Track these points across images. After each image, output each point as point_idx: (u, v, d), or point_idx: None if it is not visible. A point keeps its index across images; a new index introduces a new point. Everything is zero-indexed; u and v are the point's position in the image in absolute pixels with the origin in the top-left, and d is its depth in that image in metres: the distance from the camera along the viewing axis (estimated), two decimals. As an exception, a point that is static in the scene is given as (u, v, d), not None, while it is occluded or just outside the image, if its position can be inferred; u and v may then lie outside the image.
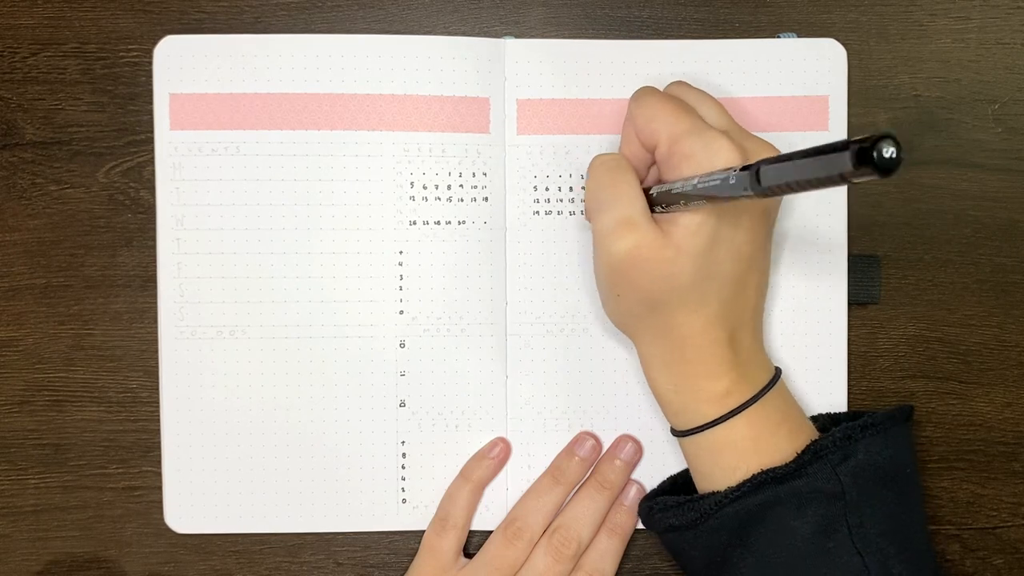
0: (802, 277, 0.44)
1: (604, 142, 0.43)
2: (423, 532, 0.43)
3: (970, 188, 0.45)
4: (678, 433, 0.39)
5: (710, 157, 0.34)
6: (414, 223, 0.43)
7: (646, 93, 0.38)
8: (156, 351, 0.43)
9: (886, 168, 0.24)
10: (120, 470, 0.44)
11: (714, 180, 0.31)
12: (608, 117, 0.43)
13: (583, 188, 0.43)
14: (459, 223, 0.43)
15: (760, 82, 0.44)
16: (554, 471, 0.43)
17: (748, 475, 0.36)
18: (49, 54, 0.44)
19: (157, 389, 0.43)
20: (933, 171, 0.45)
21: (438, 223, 0.43)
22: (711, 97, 0.39)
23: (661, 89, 0.40)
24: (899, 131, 0.45)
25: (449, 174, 0.43)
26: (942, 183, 0.45)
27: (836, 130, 0.44)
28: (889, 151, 0.24)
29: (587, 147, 0.43)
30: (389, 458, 0.43)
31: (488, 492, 0.43)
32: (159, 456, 0.43)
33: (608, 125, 0.43)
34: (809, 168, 0.26)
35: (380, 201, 0.43)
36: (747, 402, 0.37)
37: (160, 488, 0.43)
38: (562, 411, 0.44)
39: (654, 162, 0.38)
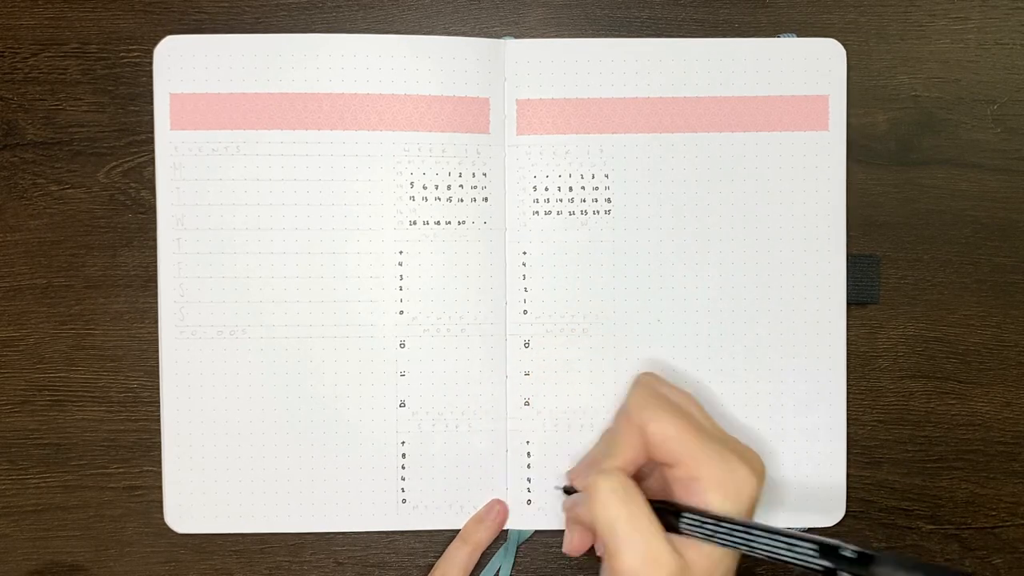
0: (801, 277, 0.44)
1: (604, 142, 0.43)
2: (423, 531, 0.44)
3: (969, 188, 0.45)
4: None
5: (737, 487, 0.33)
6: (414, 223, 0.43)
7: (651, 405, 0.36)
8: (157, 351, 0.43)
9: None
10: (121, 470, 0.44)
11: (779, 548, 0.31)
12: (608, 117, 0.43)
13: (583, 188, 0.43)
14: (459, 223, 0.43)
15: (760, 82, 0.44)
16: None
17: None
18: (50, 54, 0.44)
19: (158, 389, 0.43)
20: (932, 171, 0.45)
21: (438, 223, 0.43)
22: (688, 394, 0.38)
23: (645, 383, 0.39)
24: (899, 131, 0.45)
25: (449, 174, 0.43)
26: (941, 183, 0.45)
27: (836, 130, 0.44)
28: None
29: (587, 147, 0.43)
30: (389, 458, 0.43)
31: (489, 493, 0.44)
32: (160, 456, 0.43)
33: (608, 125, 0.43)
34: None
35: (380, 201, 0.43)
36: None
37: (161, 488, 0.43)
38: (562, 411, 0.44)
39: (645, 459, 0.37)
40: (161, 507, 0.43)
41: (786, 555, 0.31)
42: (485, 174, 0.43)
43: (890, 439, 0.45)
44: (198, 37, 0.43)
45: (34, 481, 0.44)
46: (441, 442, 0.44)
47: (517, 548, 0.44)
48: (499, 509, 0.43)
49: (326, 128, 0.43)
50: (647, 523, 0.34)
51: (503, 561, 0.44)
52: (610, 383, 0.44)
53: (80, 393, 0.44)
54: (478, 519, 0.43)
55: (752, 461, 0.35)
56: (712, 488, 0.34)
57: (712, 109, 0.44)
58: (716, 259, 0.44)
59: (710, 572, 0.34)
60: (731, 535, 0.33)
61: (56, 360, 0.44)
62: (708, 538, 0.33)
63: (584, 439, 0.44)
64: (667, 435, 0.35)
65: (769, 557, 0.32)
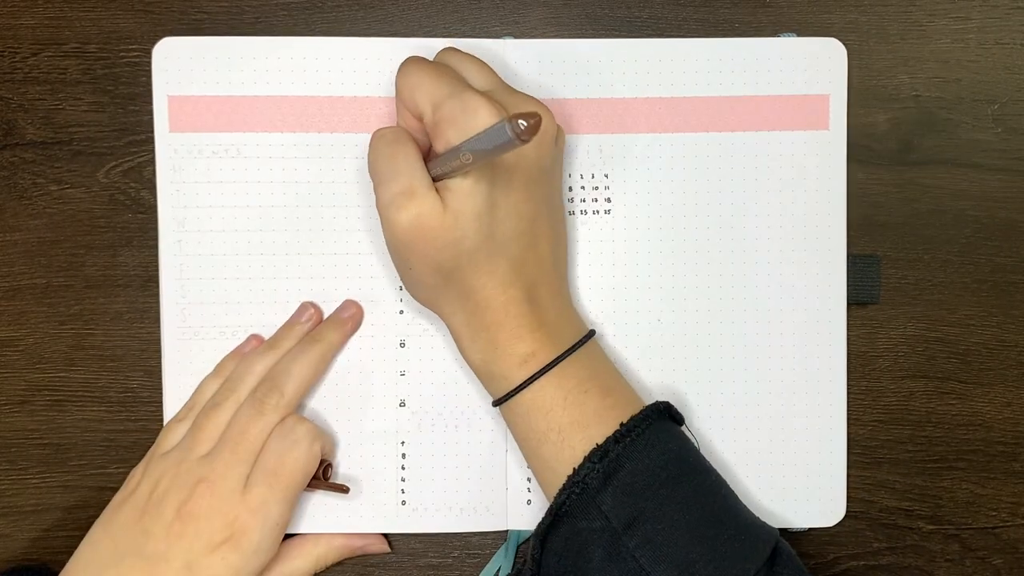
0: (802, 277, 0.44)
1: (604, 142, 0.43)
2: (423, 534, 0.43)
3: (970, 188, 0.45)
4: (494, 403, 0.39)
5: (470, 119, 0.34)
6: (414, 223, 0.43)
7: (409, 63, 0.37)
8: (156, 351, 0.43)
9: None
10: (121, 470, 0.44)
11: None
12: (608, 117, 0.43)
13: (582, 188, 0.43)
14: (459, 223, 0.43)
15: (761, 81, 0.44)
16: (271, 340, 0.43)
17: (560, 435, 0.37)
18: (50, 54, 0.44)
19: (158, 389, 0.43)
20: (933, 171, 0.45)
21: (438, 223, 0.43)
22: (477, 59, 0.39)
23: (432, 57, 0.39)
24: (899, 131, 0.45)
25: (449, 174, 0.43)
26: (942, 183, 0.45)
27: (836, 129, 0.44)
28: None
29: (587, 147, 0.43)
30: (389, 458, 0.43)
31: (489, 493, 0.44)
32: (160, 456, 0.43)
33: (608, 125, 0.43)
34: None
35: (380, 201, 0.43)
36: (552, 362, 0.37)
37: (161, 488, 0.43)
38: (562, 411, 0.44)
39: None
40: (161, 507, 0.43)
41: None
42: (485, 174, 0.43)
43: (890, 439, 0.45)
44: (196, 40, 0.43)
45: (34, 481, 0.44)
46: (441, 442, 0.43)
47: (517, 548, 0.44)
48: (355, 311, 0.43)
49: (326, 131, 0.43)
50: (407, 162, 0.36)
51: (503, 561, 0.44)
52: (610, 383, 0.44)
53: (80, 393, 0.44)
54: (332, 321, 0.43)
55: (514, 104, 0.36)
56: (448, 124, 0.35)
57: (712, 109, 0.44)
58: (716, 259, 0.44)
59: (463, 204, 0.35)
60: (457, 158, 0.33)
61: (56, 360, 0.44)
62: (446, 172, 0.35)
63: (584, 439, 0.44)
64: (411, 87, 0.36)
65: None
